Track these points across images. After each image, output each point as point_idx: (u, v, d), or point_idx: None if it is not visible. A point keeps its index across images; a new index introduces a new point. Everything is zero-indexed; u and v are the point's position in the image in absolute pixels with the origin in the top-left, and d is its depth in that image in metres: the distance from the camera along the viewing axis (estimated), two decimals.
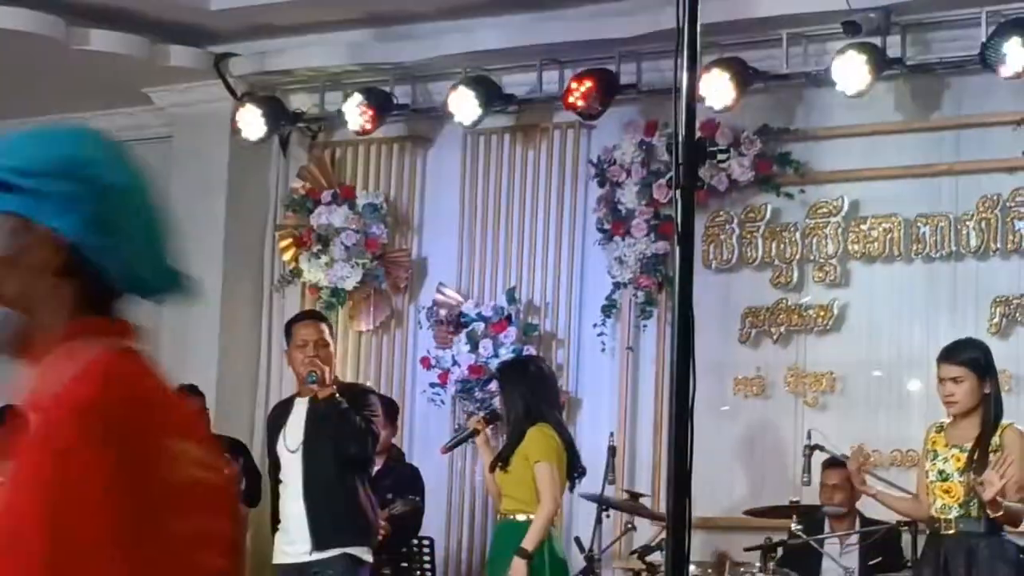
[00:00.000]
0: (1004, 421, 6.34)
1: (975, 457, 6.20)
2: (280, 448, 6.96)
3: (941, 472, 6.28)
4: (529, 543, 6.94)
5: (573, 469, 7.24)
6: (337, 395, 6.86)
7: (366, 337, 9.65)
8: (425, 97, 9.46)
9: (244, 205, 9.91)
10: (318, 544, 6.79)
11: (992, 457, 6.17)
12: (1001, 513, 6.02)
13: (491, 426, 7.42)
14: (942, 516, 6.26)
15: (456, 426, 8.92)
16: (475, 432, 7.35)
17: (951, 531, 6.24)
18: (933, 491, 6.29)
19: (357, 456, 6.83)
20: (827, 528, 7.66)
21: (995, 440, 6.21)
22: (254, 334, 9.94)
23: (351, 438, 6.79)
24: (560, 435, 7.16)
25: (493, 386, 8.91)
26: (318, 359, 6.92)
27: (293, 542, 6.85)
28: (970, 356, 6.35)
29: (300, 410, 7.08)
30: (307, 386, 6.97)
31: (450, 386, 9.14)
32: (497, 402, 7.52)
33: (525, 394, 7.14)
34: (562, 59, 8.90)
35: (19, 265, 2.20)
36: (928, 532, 6.45)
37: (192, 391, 9.13)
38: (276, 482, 7.03)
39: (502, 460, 7.13)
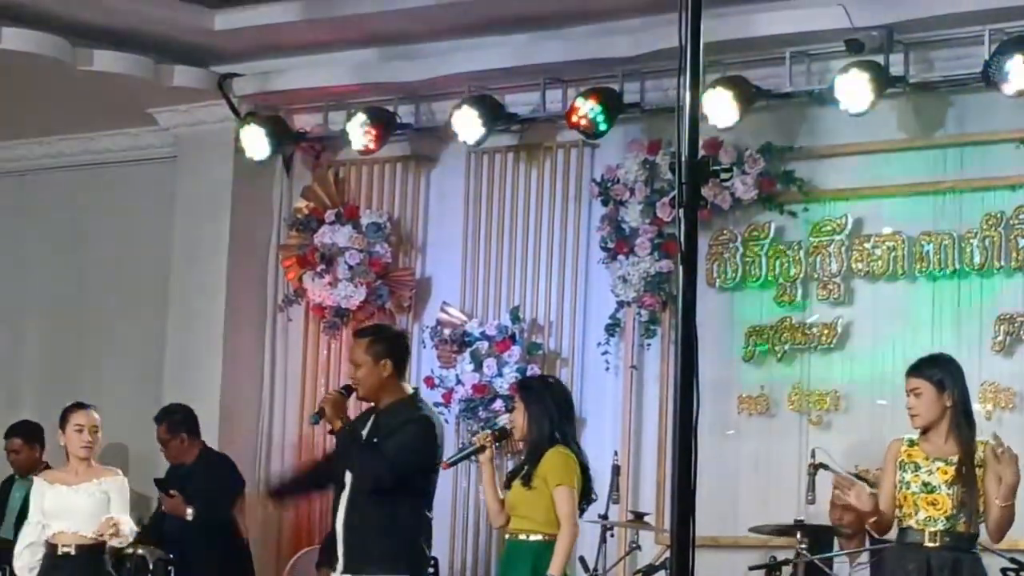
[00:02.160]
0: (980, 438, 6.39)
1: (963, 471, 6.26)
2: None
3: (927, 484, 6.30)
4: (556, 568, 6.88)
5: (585, 495, 7.20)
6: (346, 427, 6.76)
7: None
8: (428, 117, 9.47)
9: (248, 225, 9.91)
10: (348, 567, 6.73)
11: (978, 472, 6.28)
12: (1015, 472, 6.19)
13: (498, 443, 7.37)
14: (926, 528, 6.29)
15: (461, 444, 8.90)
16: (481, 448, 7.25)
17: (935, 543, 6.27)
18: (915, 503, 6.30)
19: (375, 489, 6.71)
20: (835, 547, 7.63)
21: (979, 455, 6.31)
22: (258, 353, 9.94)
23: (361, 472, 6.70)
24: (578, 459, 7.12)
25: (497, 405, 8.91)
26: (356, 379, 6.88)
27: (340, 560, 6.79)
28: (928, 369, 6.43)
29: (367, 426, 6.93)
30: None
31: (454, 405, 9.13)
32: (504, 420, 7.47)
33: (549, 413, 7.08)
34: (565, 78, 8.91)
35: None
36: (899, 543, 6.42)
37: (159, 419, 9.05)
38: (336, 498, 6.92)
39: (524, 478, 7.05)
